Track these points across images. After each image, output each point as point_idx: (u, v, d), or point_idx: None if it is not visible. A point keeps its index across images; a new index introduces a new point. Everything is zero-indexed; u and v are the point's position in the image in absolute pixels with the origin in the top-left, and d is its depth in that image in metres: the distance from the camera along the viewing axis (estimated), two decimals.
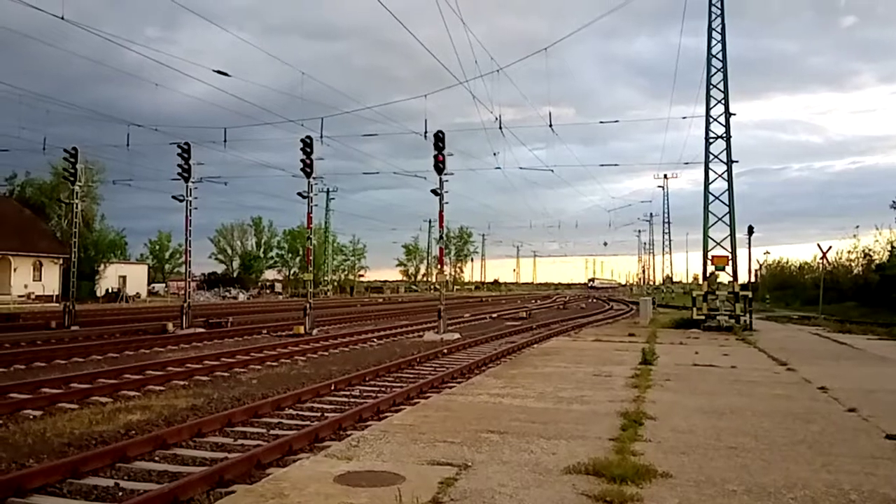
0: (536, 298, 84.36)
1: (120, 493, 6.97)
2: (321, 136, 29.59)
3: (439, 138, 25.56)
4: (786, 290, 60.16)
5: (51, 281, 55.12)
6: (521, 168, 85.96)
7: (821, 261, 41.65)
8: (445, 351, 20.68)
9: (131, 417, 10.68)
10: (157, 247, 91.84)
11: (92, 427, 9.96)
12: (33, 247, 54.50)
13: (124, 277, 64.74)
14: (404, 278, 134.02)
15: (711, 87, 26.65)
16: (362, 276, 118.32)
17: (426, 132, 27.55)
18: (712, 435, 7.47)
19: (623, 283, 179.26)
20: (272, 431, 9.96)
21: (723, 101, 26.51)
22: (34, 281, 54.76)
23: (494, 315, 41.74)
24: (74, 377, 14.32)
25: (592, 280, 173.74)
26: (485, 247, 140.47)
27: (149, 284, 73.39)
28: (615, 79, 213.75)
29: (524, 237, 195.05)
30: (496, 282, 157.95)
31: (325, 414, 11.19)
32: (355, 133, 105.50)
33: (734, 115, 26.68)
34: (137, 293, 65.02)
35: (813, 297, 44.97)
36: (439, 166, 25.65)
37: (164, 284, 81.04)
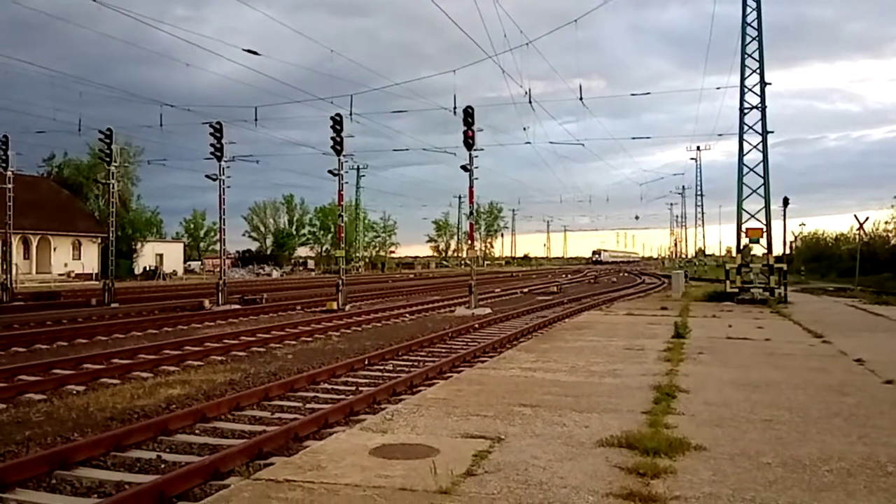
0: (567, 273, 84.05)
1: (162, 466, 7.17)
2: (350, 114, 29.67)
3: (468, 114, 25.47)
4: (821, 262, 59.14)
5: (90, 259, 56.31)
6: (551, 142, 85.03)
7: (857, 232, 40.86)
8: (477, 326, 20.79)
9: (172, 392, 10.94)
10: (192, 225, 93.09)
11: (134, 401, 10.23)
12: (72, 226, 55.62)
13: (161, 255, 65.85)
14: (435, 254, 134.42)
15: (746, 55, 26.11)
16: (393, 252, 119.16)
17: (455, 108, 27.46)
18: (746, 408, 7.45)
19: (654, 256, 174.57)
20: (308, 405, 10.14)
21: (758, 71, 25.99)
22: (74, 260, 55.99)
23: (525, 290, 41.76)
24: (116, 353, 14.68)
25: (598, 253, 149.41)
26: (515, 222, 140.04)
27: (185, 262, 74.54)
28: (647, 49, 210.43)
29: (554, 212, 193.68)
30: (526, 257, 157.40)
31: (360, 388, 11.35)
32: (384, 110, 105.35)
33: (770, 84, 26.21)
34: (174, 271, 66.09)
35: (849, 268, 44.20)
36: (469, 142, 25.59)
37: (199, 262, 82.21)
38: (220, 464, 6.77)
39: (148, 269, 62.10)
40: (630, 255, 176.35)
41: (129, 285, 44.63)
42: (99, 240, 55.27)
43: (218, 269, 35.51)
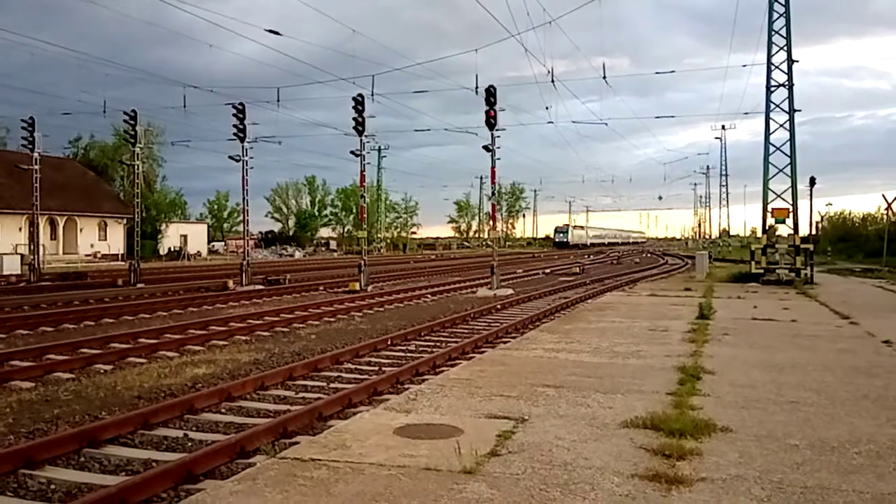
0: (589, 253, 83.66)
1: (189, 444, 7.24)
2: (372, 94, 29.56)
3: (490, 93, 25.26)
4: (848, 243, 58.29)
5: (116, 240, 56.98)
6: (573, 122, 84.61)
7: (885, 212, 40.20)
8: (499, 306, 20.75)
9: (197, 371, 11.06)
10: (216, 206, 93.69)
11: (160, 380, 10.35)
12: (98, 207, 56.24)
13: (185, 236, 66.37)
14: (456, 235, 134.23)
15: (773, 32, 25.63)
16: (415, 233, 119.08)
17: (477, 87, 27.26)
18: (773, 389, 7.38)
19: (676, 236, 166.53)
20: (332, 385, 10.20)
21: (785, 48, 25.53)
22: (100, 240, 56.65)
23: (547, 271, 41.62)
24: (142, 332, 14.84)
25: (563, 232, 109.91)
26: (537, 202, 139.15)
27: (208, 243, 75.14)
28: (671, 26, 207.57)
29: (577, 192, 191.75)
30: (548, 237, 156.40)
31: (383, 368, 11.39)
32: (405, 90, 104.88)
33: (797, 61, 25.74)
34: (198, 252, 66.64)
35: (876, 249, 43.55)
36: (491, 122, 25.40)
37: (223, 243, 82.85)
38: (246, 442, 6.83)
39: (172, 249, 62.69)
40: (628, 234, 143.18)
41: (155, 266, 45.09)
42: (124, 221, 55.89)
43: (241, 250, 35.76)
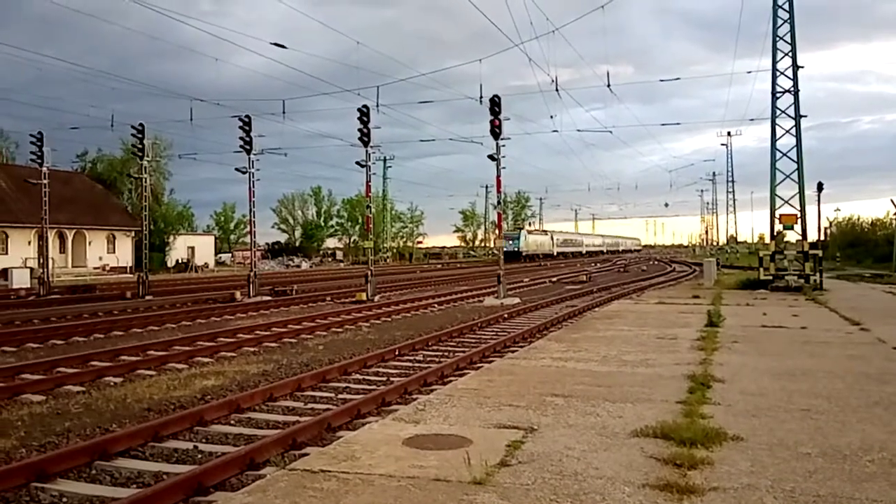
0: (595, 261, 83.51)
1: (199, 456, 7.25)
2: (377, 105, 29.70)
3: (495, 103, 25.34)
4: (857, 248, 58.15)
5: (124, 253, 57.23)
6: (578, 130, 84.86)
7: (894, 217, 40.09)
8: (506, 315, 20.73)
9: (206, 383, 11.07)
10: (223, 218, 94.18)
11: (170, 392, 10.37)
12: (106, 221, 56.55)
13: (193, 248, 66.67)
14: (462, 244, 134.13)
15: (778, 38, 25.64)
16: (420, 242, 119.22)
17: (481, 97, 27.41)
18: (783, 397, 7.34)
19: (683, 243, 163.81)
20: (340, 396, 10.20)
21: (790, 54, 25.52)
22: (108, 253, 56.92)
23: (554, 279, 41.57)
24: (151, 345, 14.88)
25: (513, 238, 80.00)
26: (542, 211, 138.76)
27: (216, 255, 75.37)
28: (675, 34, 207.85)
29: (582, 200, 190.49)
30: None
31: (391, 378, 11.38)
32: (410, 100, 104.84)
33: (802, 67, 25.72)
34: (206, 263, 66.86)
35: (885, 254, 43.45)
36: (496, 131, 25.47)
37: (230, 254, 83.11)
38: (255, 454, 6.83)
39: (180, 261, 62.94)
40: (616, 240, 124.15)
41: (163, 278, 45.22)
42: (132, 233, 56.18)
43: (248, 261, 35.84)
